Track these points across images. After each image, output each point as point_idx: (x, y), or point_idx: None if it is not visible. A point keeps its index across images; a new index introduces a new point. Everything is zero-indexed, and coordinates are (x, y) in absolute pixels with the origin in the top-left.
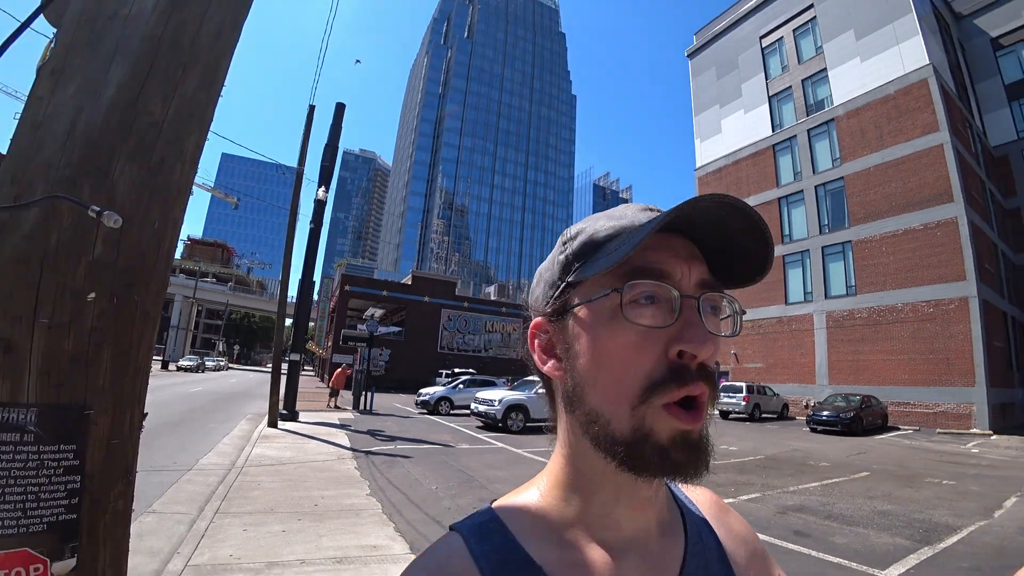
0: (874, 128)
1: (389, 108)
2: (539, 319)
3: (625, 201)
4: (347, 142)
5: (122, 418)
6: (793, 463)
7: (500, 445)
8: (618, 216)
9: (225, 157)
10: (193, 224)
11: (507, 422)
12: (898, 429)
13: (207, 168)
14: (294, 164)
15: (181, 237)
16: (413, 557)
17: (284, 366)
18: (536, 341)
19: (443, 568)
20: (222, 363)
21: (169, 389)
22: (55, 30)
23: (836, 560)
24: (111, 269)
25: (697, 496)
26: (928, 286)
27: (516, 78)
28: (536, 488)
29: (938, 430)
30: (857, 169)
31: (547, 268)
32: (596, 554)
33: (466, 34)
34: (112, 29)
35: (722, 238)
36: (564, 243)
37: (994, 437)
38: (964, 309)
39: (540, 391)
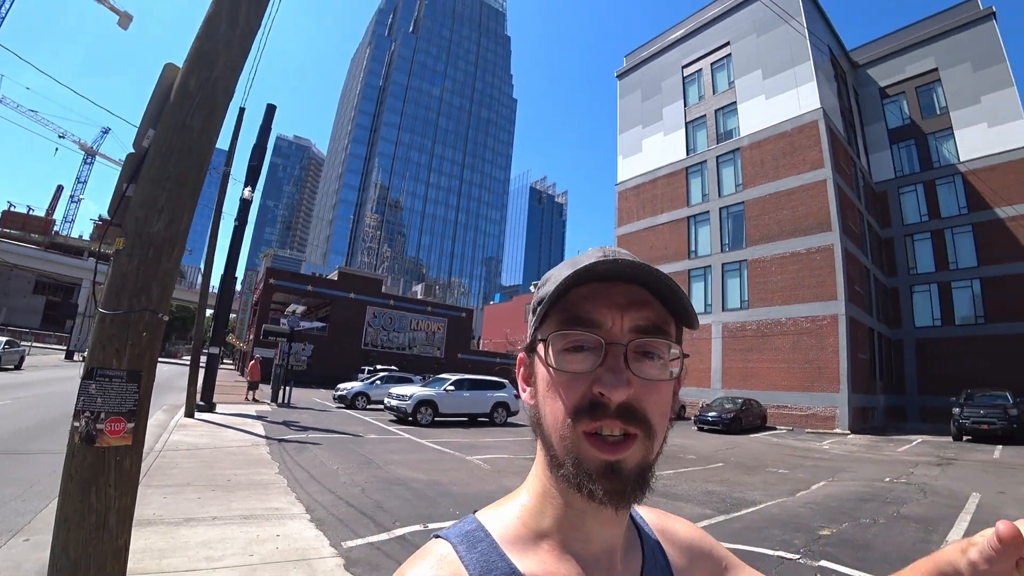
0: (772, 160)
1: (328, 95)
2: (522, 353)
3: (561, 206)
4: (282, 127)
5: (149, 377)
6: (663, 456)
7: (406, 436)
8: (557, 269)
9: None
10: (106, 204)
11: (417, 416)
12: (774, 429)
13: (125, 143)
14: (220, 148)
15: (91, 217)
16: (308, 517)
17: (203, 358)
18: (521, 371)
19: (436, 573)
20: None
21: (73, 382)
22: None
23: None
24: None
25: (647, 515)
26: (807, 304)
27: (459, 77)
28: (518, 500)
29: (807, 430)
30: (756, 195)
31: (531, 307)
32: (568, 564)
33: (411, 28)
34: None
35: (656, 290)
36: (537, 288)
37: (850, 436)
38: (834, 325)
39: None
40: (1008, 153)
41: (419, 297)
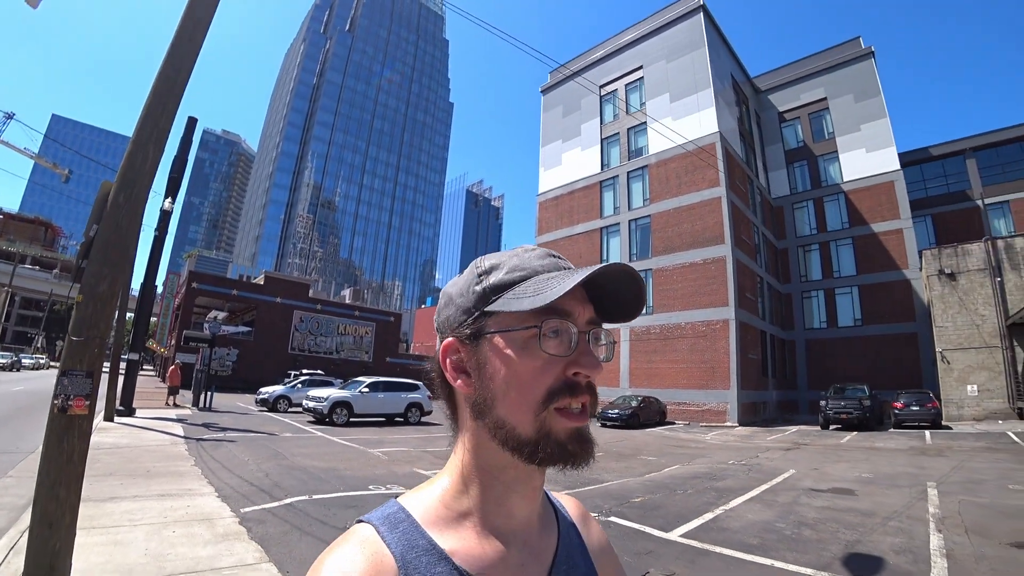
0: (676, 177)
1: (259, 90)
2: (451, 340)
3: (497, 209)
4: (210, 121)
5: (97, 375)
6: None
7: (319, 434)
8: (526, 259)
9: (56, 119)
10: (7, 196)
11: (333, 416)
12: (673, 424)
13: (32, 131)
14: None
15: None
16: (216, 494)
17: (122, 364)
18: (448, 359)
19: (359, 553)
20: (42, 361)
21: None
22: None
23: None
24: (98, 347)
25: (566, 502)
26: (703, 309)
27: (395, 79)
28: (439, 484)
29: (702, 424)
30: (661, 209)
31: (459, 294)
32: (489, 539)
33: (347, 27)
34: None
35: (608, 288)
36: (480, 275)
37: (736, 428)
38: (725, 328)
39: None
40: (880, 176)
41: (347, 301)
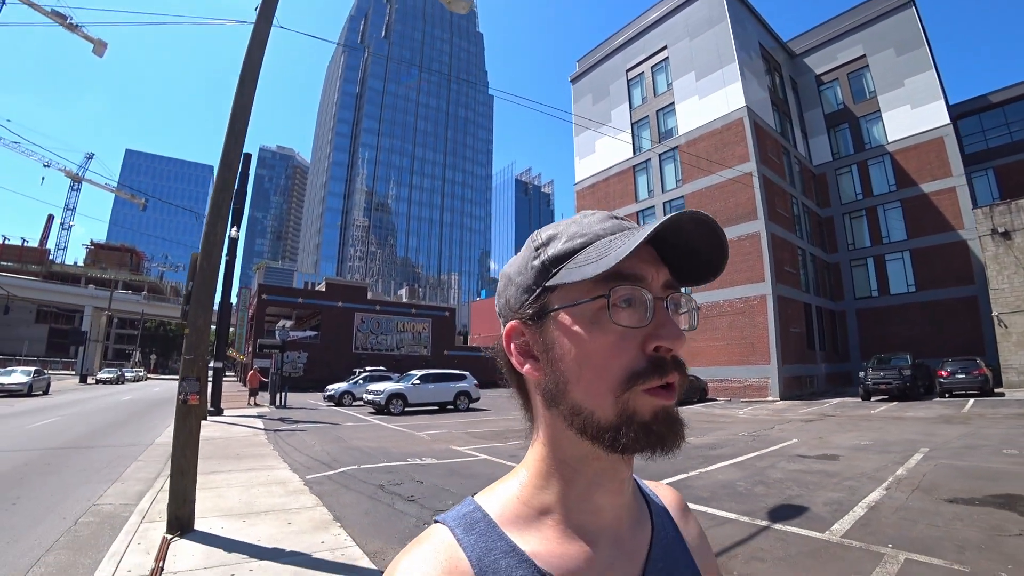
0: (706, 156)
1: (307, 102)
2: (514, 322)
3: (548, 195)
4: (264, 138)
5: (203, 379)
6: None
7: (376, 422)
8: (586, 224)
9: (129, 153)
10: (96, 228)
11: (389, 407)
12: (714, 400)
13: (110, 166)
14: (203, 161)
15: (84, 242)
16: (288, 467)
17: (209, 372)
18: (513, 344)
19: (434, 557)
20: (140, 374)
21: (104, 399)
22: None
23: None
24: (202, 361)
25: (663, 493)
26: (740, 286)
27: (434, 79)
28: (516, 479)
29: (743, 399)
30: (694, 189)
31: (518, 272)
32: (574, 539)
33: (383, 34)
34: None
35: (682, 245)
36: (537, 248)
37: (777, 402)
38: (763, 304)
39: (468, 391)
40: (927, 133)
41: (404, 300)
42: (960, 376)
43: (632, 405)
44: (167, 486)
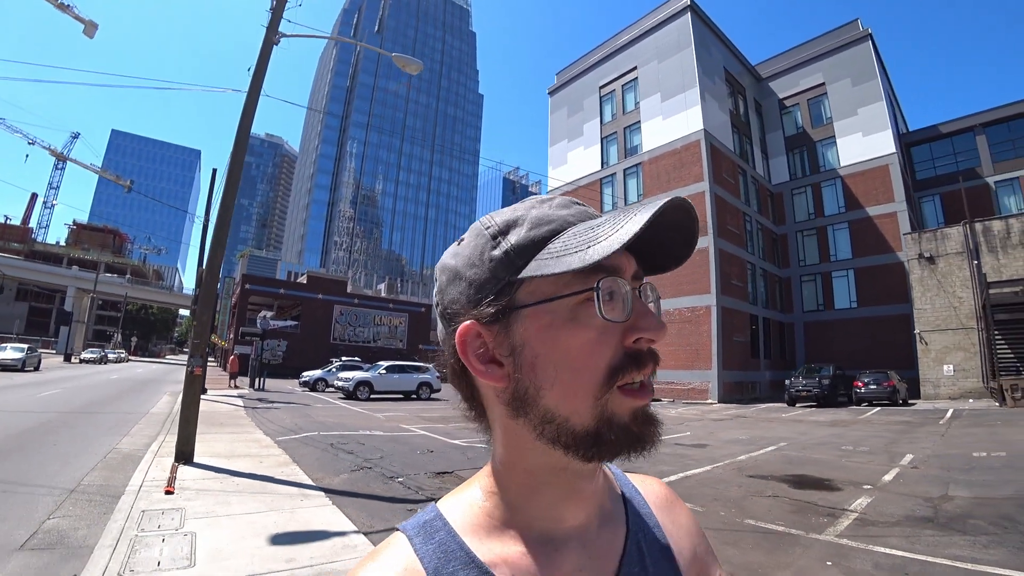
0: (666, 174)
1: (297, 93)
2: (469, 323)
3: (534, 195)
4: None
5: (204, 357)
6: None
7: (343, 406)
8: (549, 210)
9: (115, 134)
10: (79, 208)
11: (356, 393)
12: (659, 400)
13: (96, 146)
14: (190, 145)
15: (66, 221)
16: (263, 432)
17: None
18: (468, 348)
19: (391, 568)
20: (122, 355)
21: (94, 377)
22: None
23: (458, 442)
24: (203, 344)
25: (646, 487)
26: (688, 296)
27: (425, 76)
28: (479, 486)
29: (685, 401)
30: None
31: (468, 265)
32: (538, 548)
33: (376, 28)
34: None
35: (656, 235)
36: (494, 236)
37: (714, 405)
38: (708, 314)
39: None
40: (875, 160)
41: (382, 295)
42: (872, 387)
43: (611, 407)
44: (168, 439)
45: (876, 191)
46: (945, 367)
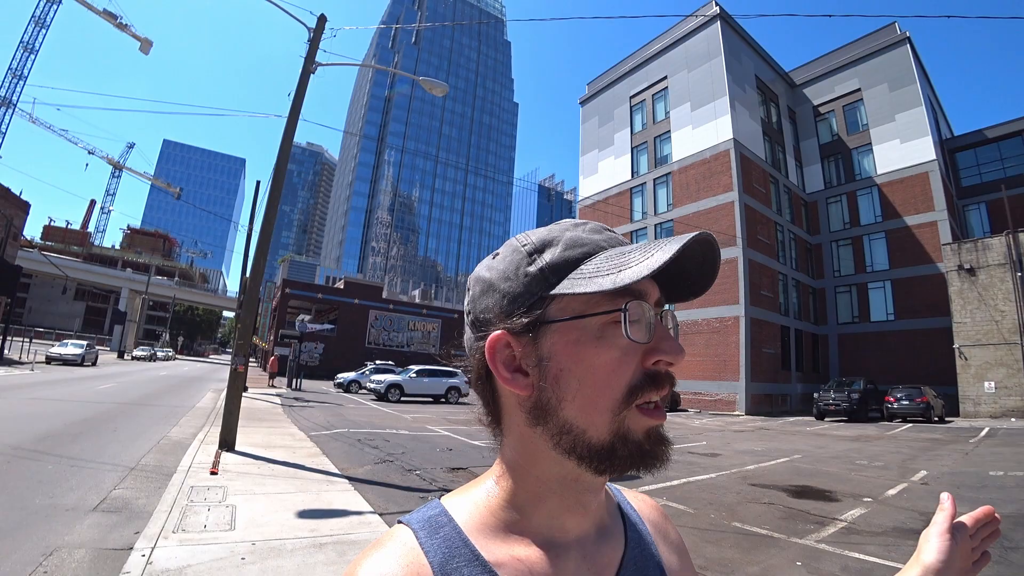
0: (695, 183)
1: (338, 102)
2: (500, 332)
3: (570, 203)
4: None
5: (247, 356)
6: None
7: (374, 407)
8: (583, 233)
9: (167, 144)
10: (132, 213)
11: (388, 395)
12: (686, 411)
13: (148, 156)
14: (235, 153)
15: (121, 227)
16: (298, 427)
17: (228, 357)
18: (497, 356)
19: (396, 560)
20: (170, 353)
21: (144, 373)
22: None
23: (479, 443)
24: (246, 344)
25: (639, 505)
26: (716, 307)
27: (460, 85)
28: (485, 488)
29: (711, 411)
30: (683, 214)
31: (503, 278)
32: (541, 553)
33: (413, 40)
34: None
35: (679, 265)
36: (530, 254)
37: (740, 416)
38: (736, 325)
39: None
40: (914, 167)
41: (416, 301)
42: (905, 403)
43: (627, 424)
44: (213, 431)
45: (915, 199)
46: (986, 384)
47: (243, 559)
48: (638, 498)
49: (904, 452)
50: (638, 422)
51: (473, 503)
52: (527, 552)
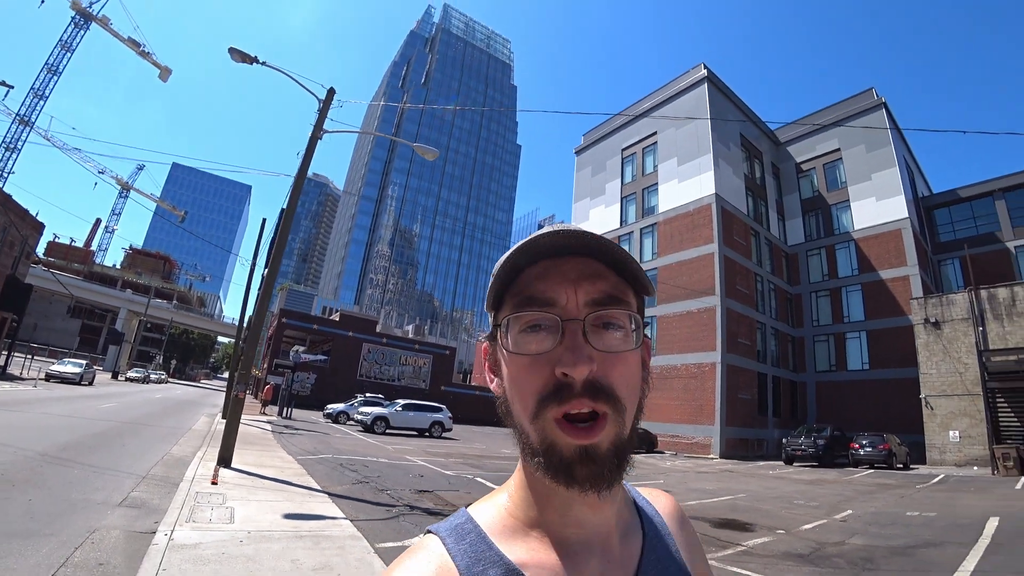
0: (679, 234)
1: (346, 137)
2: (485, 342)
3: None
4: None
5: (246, 384)
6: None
7: (360, 437)
8: (515, 246)
9: (175, 167)
10: (135, 234)
11: (374, 427)
12: (662, 453)
13: (156, 178)
14: (241, 180)
15: (123, 246)
16: (286, 452)
17: (220, 382)
18: (487, 361)
19: (426, 565)
20: (163, 376)
21: (141, 395)
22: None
23: (456, 474)
24: (247, 374)
25: (658, 501)
26: (695, 353)
27: (465, 126)
28: (506, 492)
29: (687, 454)
30: (666, 263)
31: (487, 296)
32: (560, 551)
33: (423, 81)
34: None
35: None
36: (493, 274)
37: (714, 460)
38: (713, 371)
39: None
40: (888, 224)
41: (409, 336)
42: (868, 449)
43: (550, 436)
44: (210, 450)
45: (889, 255)
46: (951, 433)
47: (241, 541)
48: (652, 493)
49: (846, 495)
50: (562, 440)
51: (495, 507)
52: (548, 551)
